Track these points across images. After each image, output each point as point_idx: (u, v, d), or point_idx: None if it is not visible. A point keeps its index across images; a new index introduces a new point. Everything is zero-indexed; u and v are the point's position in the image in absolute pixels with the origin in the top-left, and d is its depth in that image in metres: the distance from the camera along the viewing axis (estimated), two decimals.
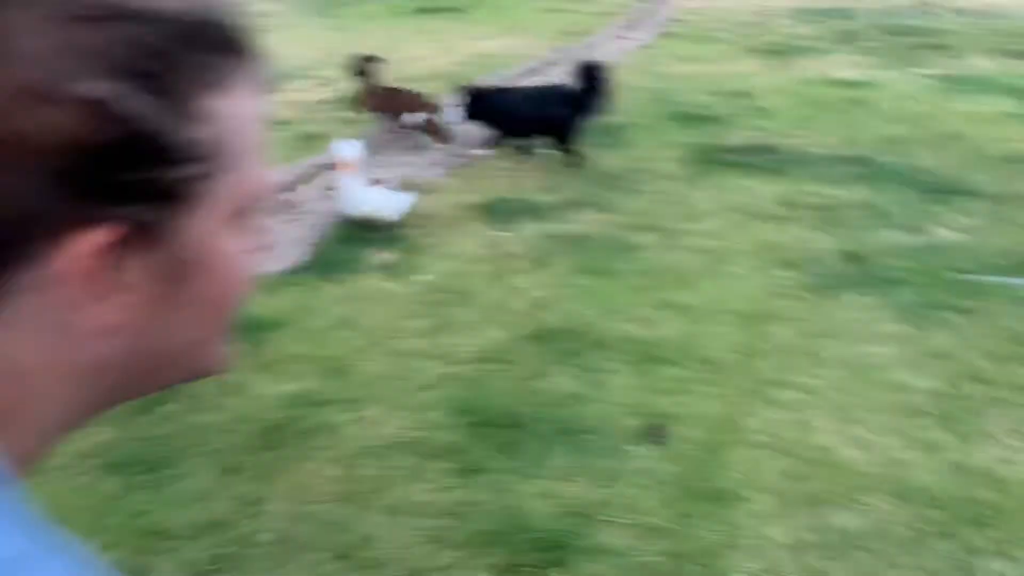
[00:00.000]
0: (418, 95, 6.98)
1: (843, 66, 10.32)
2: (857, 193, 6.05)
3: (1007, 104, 8.54)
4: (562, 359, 3.96)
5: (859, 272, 4.81)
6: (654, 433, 3.43)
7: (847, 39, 12.07)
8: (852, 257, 5.00)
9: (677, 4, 14.96)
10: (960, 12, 14.36)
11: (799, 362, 3.92)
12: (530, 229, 5.47)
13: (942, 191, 6.09)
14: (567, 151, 6.65)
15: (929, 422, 3.46)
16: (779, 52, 11.19)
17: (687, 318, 4.34)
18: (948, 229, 5.44)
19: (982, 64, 10.50)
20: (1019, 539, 2.83)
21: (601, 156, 6.85)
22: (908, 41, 11.85)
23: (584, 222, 5.67)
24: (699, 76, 9.74)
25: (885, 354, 3.96)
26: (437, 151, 6.94)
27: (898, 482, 3.12)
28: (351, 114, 7.28)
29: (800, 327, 4.23)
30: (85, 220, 0.46)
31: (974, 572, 2.70)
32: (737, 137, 7.48)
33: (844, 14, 14.03)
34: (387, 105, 6.97)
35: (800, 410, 3.56)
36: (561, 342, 4.10)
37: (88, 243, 0.46)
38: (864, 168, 6.60)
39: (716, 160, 6.85)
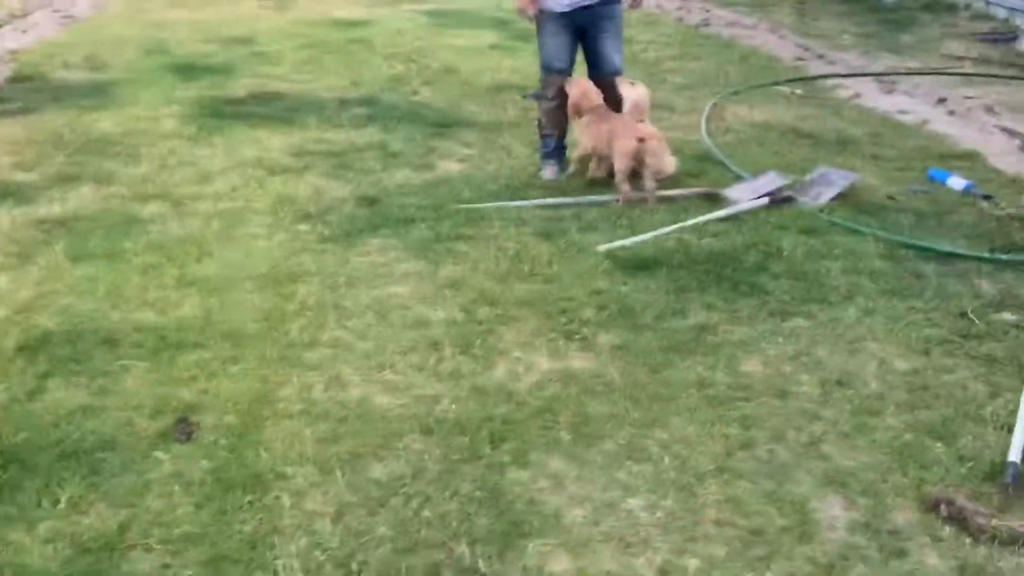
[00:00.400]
0: None
1: (343, 5, 10.44)
2: (367, 136, 6.17)
3: (490, 36, 9.37)
4: (62, 368, 3.44)
5: (376, 215, 4.91)
6: (181, 430, 3.14)
7: None
8: (368, 201, 5.09)
9: None
10: None
11: (327, 317, 3.88)
12: (5, 216, 4.64)
13: (443, 125, 6.48)
14: None
15: (449, 352, 3.65)
16: None
17: (207, 292, 4.05)
18: (450, 161, 5.81)
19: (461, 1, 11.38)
20: (532, 446, 3.12)
21: (89, 119, 6.06)
22: None
23: (77, 199, 4.97)
24: (195, 22, 9.12)
25: (404, 293, 4.10)
26: None
27: (426, 418, 3.25)
28: None
29: (325, 281, 4.18)
30: None
31: (503, 488, 2.91)
32: (242, 87, 7.17)
33: None
34: None
35: (332, 367, 3.53)
36: (58, 348, 3.56)
37: None
38: (371, 109, 6.76)
39: (222, 113, 6.50)
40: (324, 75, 7.61)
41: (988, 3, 11.20)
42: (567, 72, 5.44)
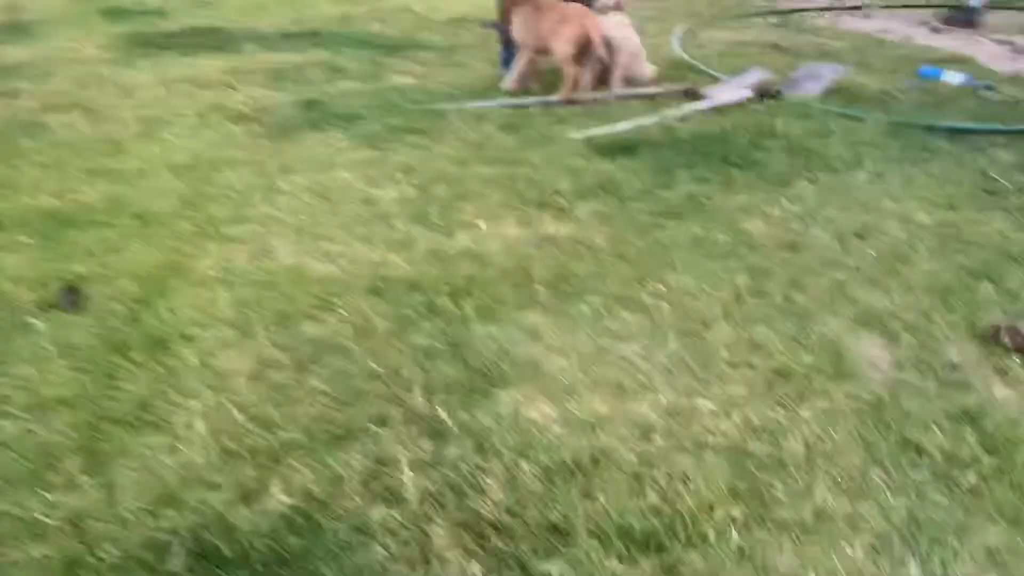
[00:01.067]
0: None
1: None
2: (312, 56, 5.60)
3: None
4: None
5: (319, 115, 4.33)
6: (67, 300, 2.54)
7: None
8: (310, 105, 4.52)
9: None
10: None
11: (255, 197, 3.30)
12: None
13: (396, 48, 5.93)
14: None
15: (400, 224, 3.09)
16: None
17: (117, 181, 3.45)
18: (403, 75, 5.25)
19: None
20: (502, 302, 2.57)
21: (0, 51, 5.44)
22: None
23: None
24: None
25: (349, 177, 3.52)
26: None
27: (373, 279, 2.68)
28: None
29: (256, 168, 3.60)
30: None
31: (467, 340, 2.35)
32: (178, 25, 6.57)
33: None
34: None
35: (259, 240, 2.95)
36: None
37: None
38: (318, 39, 6.19)
39: (151, 43, 5.90)
40: (267, 16, 7.04)
41: None
42: None
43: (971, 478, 1.88)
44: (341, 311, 2.50)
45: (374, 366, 2.23)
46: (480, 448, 1.95)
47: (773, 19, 7.32)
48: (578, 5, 4.65)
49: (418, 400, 2.11)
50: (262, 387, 2.16)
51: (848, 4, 8.17)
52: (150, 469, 1.89)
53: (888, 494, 1.85)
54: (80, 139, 3.97)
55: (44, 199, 3.28)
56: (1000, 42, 6.39)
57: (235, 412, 2.05)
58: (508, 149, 3.85)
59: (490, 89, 4.88)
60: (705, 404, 2.12)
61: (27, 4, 7.28)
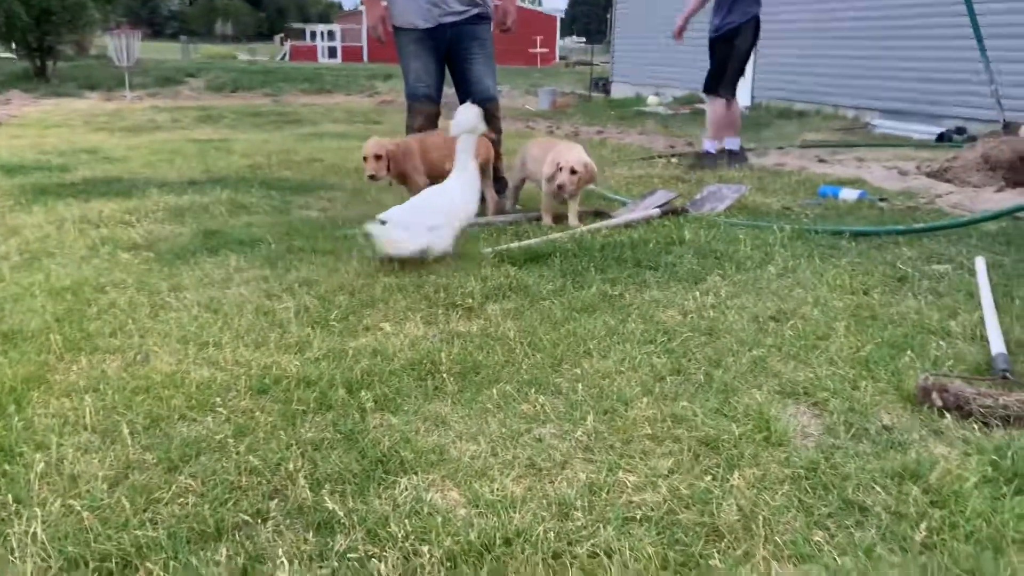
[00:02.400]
0: None
1: (204, 133, 9.99)
2: (217, 197, 5.48)
3: (342, 142, 8.97)
4: None
5: (218, 242, 4.15)
6: None
7: (208, 120, 11.89)
8: (210, 234, 4.35)
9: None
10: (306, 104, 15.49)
11: (140, 314, 3.05)
12: None
13: (305, 189, 5.89)
14: None
15: (295, 329, 2.88)
16: (134, 129, 10.45)
17: None
18: (310, 210, 5.16)
19: (331, 127, 11.17)
20: (404, 394, 2.35)
21: None
22: (266, 119, 12.13)
23: None
24: (36, 144, 8.43)
25: (245, 292, 3.32)
26: None
27: (261, 380, 2.44)
28: None
29: (145, 290, 3.37)
30: None
31: (363, 431, 2.11)
32: (80, 177, 6.42)
33: (209, 109, 13.96)
34: None
35: (138, 349, 2.69)
36: None
37: None
38: (224, 184, 6.10)
39: (48, 191, 5.70)
40: (174, 168, 6.96)
41: (836, 107, 11.83)
42: (434, 99, 5.00)
43: (922, 533, 1.69)
44: (221, 411, 2.24)
45: (254, 461, 1.96)
46: (373, 536, 1.68)
47: (675, 159, 7.62)
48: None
49: (303, 493, 1.84)
50: (122, 490, 1.86)
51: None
52: None
53: (835, 556, 1.64)
54: None
55: None
56: (887, 167, 6.75)
57: (85, 516, 1.74)
58: (415, 264, 3.73)
59: None
60: (628, 478, 1.91)
61: None
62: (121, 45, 16.85)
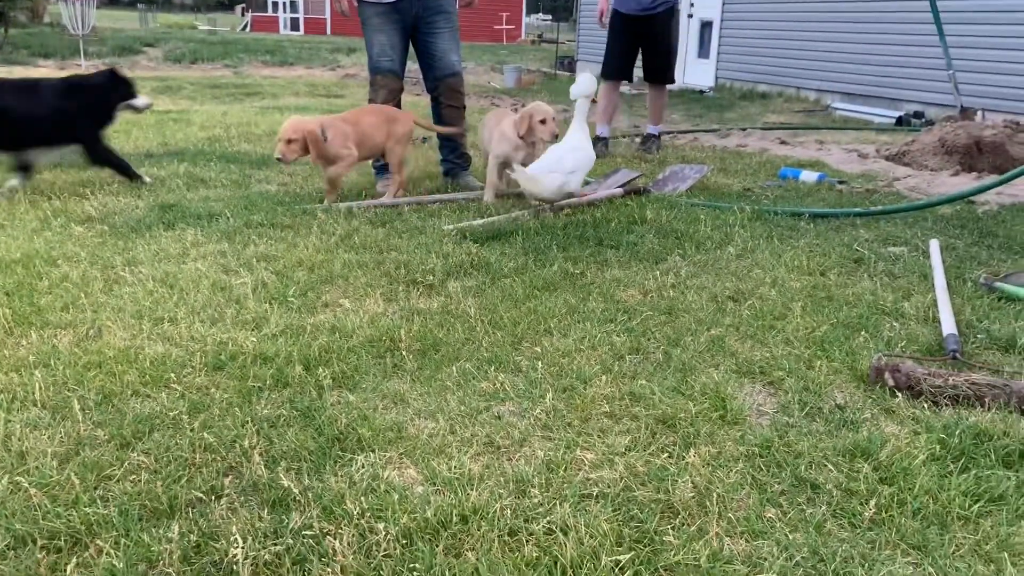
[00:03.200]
0: None
1: (162, 104, 9.77)
2: (174, 170, 5.37)
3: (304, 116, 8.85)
4: None
5: (174, 216, 4.08)
6: None
7: (167, 91, 11.63)
8: (166, 208, 4.26)
9: None
10: (267, 77, 15.23)
11: (93, 288, 2.99)
12: None
13: (264, 164, 5.79)
14: None
15: (253, 304, 2.84)
16: None
17: None
18: (270, 184, 5.08)
19: (292, 100, 11.00)
20: (362, 371, 2.33)
21: None
22: (225, 92, 11.90)
23: None
24: None
25: (202, 268, 3.26)
26: None
27: (216, 356, 2.40)
28: None
29: (99, 264, 3.30)
30: None
31: (319, 408, 2.09)
32: None
33: (167, 80, 13.64)
34: None
35: (90, 326, 2.63)
36: None
37: None
38: (183, 156, 5.99)
39: None
40: (130, 140, 6.80)
41: (799, 89, 11.92)
42: (397, 73, 4.94)
43: (871, 510, 1.73)
44: (175, 387, 2.21)
45: (209, 438, 1.94)
46: (329, 514, 1.67)
47: (637, 138, 7.63)
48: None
49: (258, 470, 1.82)
50: (72, 467, 1.82)
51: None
52: None
53: (787, 532, 1.67)
54: None
55: None
56: (847, 150, 6.83)
57: (33, 493, 1.71)
58: (377, 240, 3.70)
59: (363, 194, 4.77)
60: (586, 455, 1.92)
61: None
62: (76, 12, 16.37)
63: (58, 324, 2.65)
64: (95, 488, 1.76)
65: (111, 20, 31.50)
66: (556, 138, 4.41)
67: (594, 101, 4.50)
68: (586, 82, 4.38)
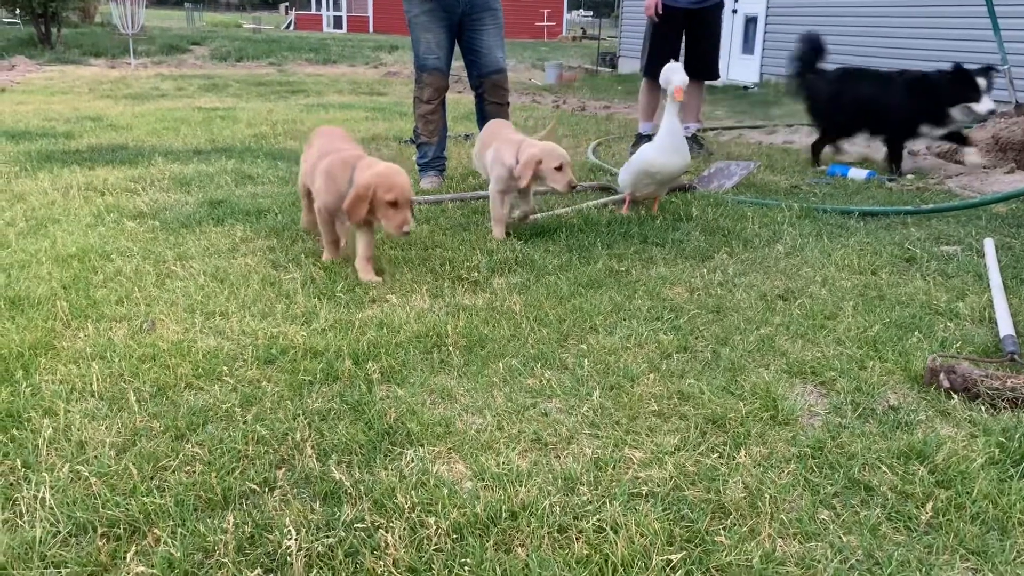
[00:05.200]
0: None
1: (209, 102, 9.93)
2: (223, 167, 5.46)
3: (364, 113, 8.94)
4: None
5: (224, 212, 4.14)
6: None
7: (213, 89, 11.82)
8: (216, 204, 4.33)
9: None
10: (311, 75, 15.38)
11: (146, 283, 3.05)
12: None
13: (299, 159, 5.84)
14: None
15: (302, 299, 2.88)
16: (138, 96, 10.38)
17: None
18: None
19: (335, 98, 11.10)
20: (410, 366, 2.35)
21: None
22: (270, 89, 12.05)
23: None
24: (40, 110, 8.39)
25: (251, 263, 3.31)
26: None
27: (267, 350, 2.43)
28: None
29: (151, 258, 3.36)
30: None
31: (369, 402, 2.11)
32: (84, 144, 6.39)
33: (214, 78, 13.86)
34: None
35: (144, 317, 2.68)
36: None
37: None
38: (231, 153, 6.08)
39: (56, 159, 5.67)
40: (179, 137, 6.93)
41: None
42: (443, 71, 4.96)
43: (927, 513, 1.70)
44: (227, 380, 2.24)
45: (261, 431, 1.97)
46: (380, 507, 1.69)
47: None
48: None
49: (310, 462, 1.85)
50: (129, 456, 1.86)
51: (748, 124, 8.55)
52: None
53: (840, 534, 1.64)
54: None
55: None
56: None
57: (93, 482, 1.75)
58: (422, 236, 3.72)
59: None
60: (634, 454, 1.91)
61: None
62: (126, 12, 16.71)
63: (113, 317, 2.70)
64: (151, 478, 1.80)
65: (159, 19, 32.12)
66: (574, 188, 3.63)
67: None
68: (677, 75, 4.10)
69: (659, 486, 1.78)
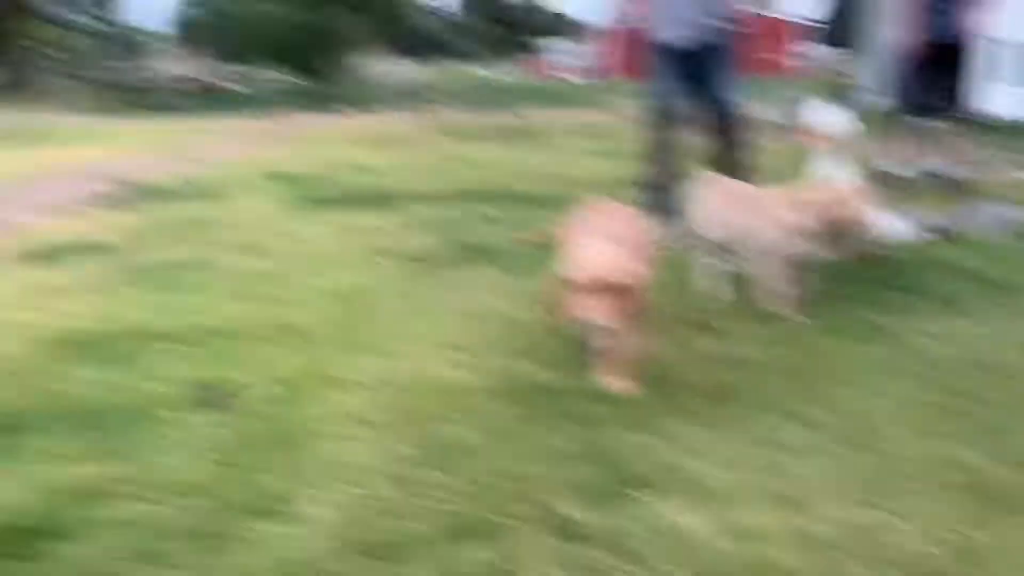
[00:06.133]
0: None
1: (454, 148, 10.55)
2: (472, 211, 5.78)
3: (587, 160, 9.03)
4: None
5: (476, 253, 4.39)
6: (213, 399, 2.56)
7: (457, 136, 12.56)
8: (469, 248, 4.59)
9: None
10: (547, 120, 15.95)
11: (409, 321, 3.29)
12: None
13: (552, 203, 6.02)
14: None
15: (541, 338, 2.98)
16: (390, 143, 11.24)
17: (273, 304, 3.56)
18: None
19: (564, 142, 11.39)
20: (651, 410, 2.36)
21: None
22: (506, 134, 12.57)
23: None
24: (310, 157, 9.39)
25: (498, 304, 3.48)
26: None
27: (511, 384, 2.56)
28: None
29: (415, 299, 3.61)
30: None
31: (612, 447, 2.15)
32: (346, 188, 7.03)
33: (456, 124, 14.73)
34: None
35: (405, 355, 2.90)
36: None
37: None
38: (474, 197, 6.42)
39: (320, 203, 6.29)
40: (423, 180, 7.41)
41: None
42: (680, 116, 4.96)
43: None
44: (476, 414, 2.38)
45: (505, 465, 2.07)
46: (618, 550, 1.72)
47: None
48: None
49: (549, 500, 1.91)
50: (393, 482, 2.03)
51: None
52: (270, 554, 1.77)
53: None
54: (248, 272, 4.18)
55: (209, 318, 3.39)
56: None
57: (368, 503, 1.93)
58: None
59: None
60: (886, 519, 1.80)
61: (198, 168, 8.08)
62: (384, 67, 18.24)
63: (375, 350, 2.95)
64: (408, 501, 1.94)
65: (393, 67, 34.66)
66: None
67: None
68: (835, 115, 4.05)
69: (913, 556, 1.67)
